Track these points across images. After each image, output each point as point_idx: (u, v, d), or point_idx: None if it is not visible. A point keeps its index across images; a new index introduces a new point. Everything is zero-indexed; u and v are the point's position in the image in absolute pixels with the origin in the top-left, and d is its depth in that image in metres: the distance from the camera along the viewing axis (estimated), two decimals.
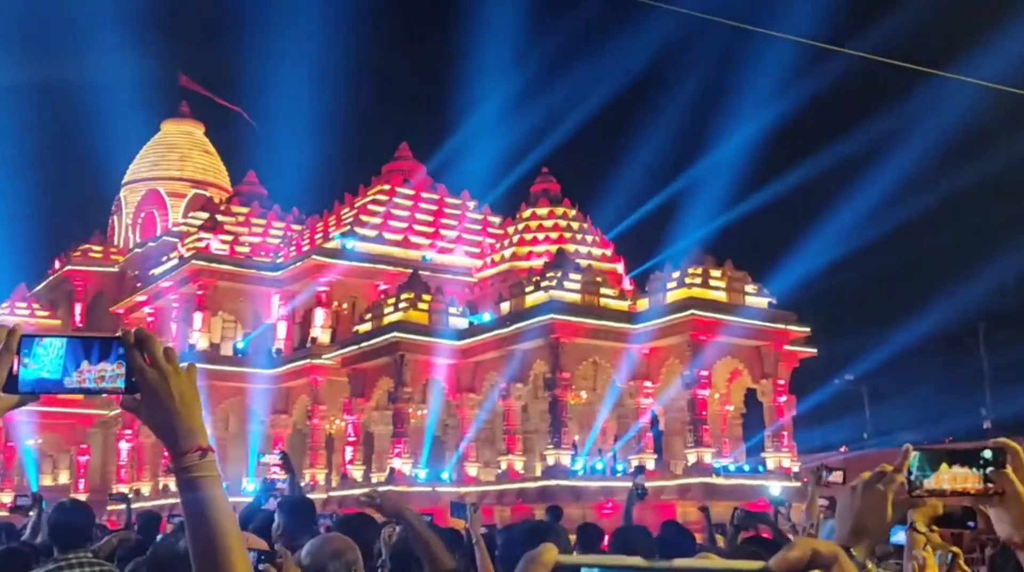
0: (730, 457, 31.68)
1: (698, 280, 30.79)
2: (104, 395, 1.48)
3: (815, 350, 33.13)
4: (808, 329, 32.35)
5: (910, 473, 1.57)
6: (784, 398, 31.36)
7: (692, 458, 29.70)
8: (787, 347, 31.92)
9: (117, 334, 1.44)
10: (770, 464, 30.60)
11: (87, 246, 52.22)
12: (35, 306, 49.85)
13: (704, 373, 30.00)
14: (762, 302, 31.82)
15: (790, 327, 31.78)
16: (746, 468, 30.68)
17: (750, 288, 31.93)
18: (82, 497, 42.55)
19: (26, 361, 1.41)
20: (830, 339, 35.46)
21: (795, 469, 30.84)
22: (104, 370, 1.43)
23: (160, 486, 38.29)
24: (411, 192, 42.05)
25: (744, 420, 34.06)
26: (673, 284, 31.14)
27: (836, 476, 6.05)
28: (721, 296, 31.02)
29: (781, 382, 31.48)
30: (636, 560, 0.65)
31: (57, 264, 52.89)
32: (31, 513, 7.26)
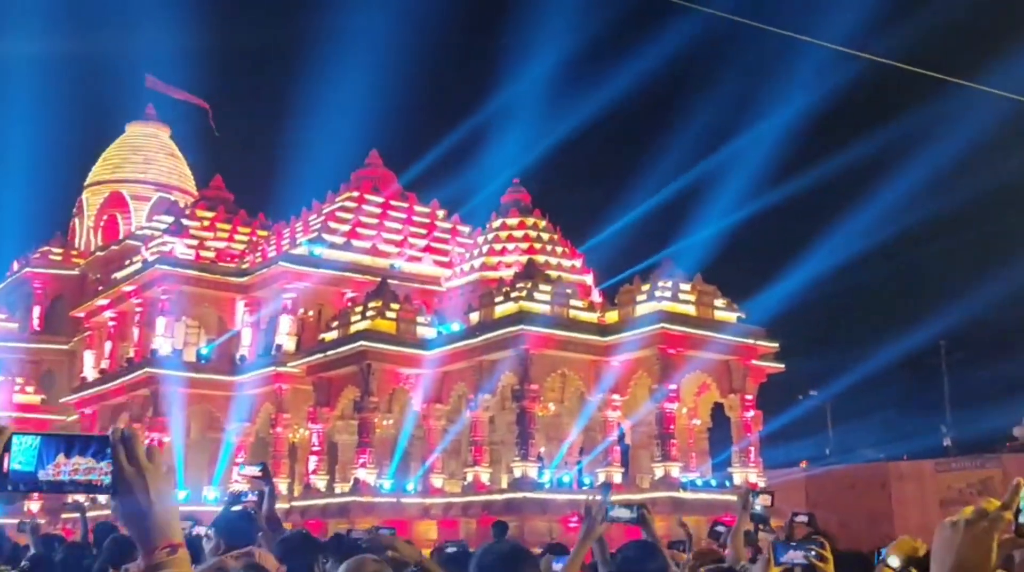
0: (696, 472, 31.65)
1: (668, 293, 30.77)
2: (85, 493, 1.49)
3: (783, 366, 33.24)
4: (777, 345, 32.46)
5: (1020, 512, 1.42)
6: (751, 413, 31.39)
7: (659, 472, 29.62)
8: (755, 362, 31.99)
9: (103, 434, 1.48)
10: (737, 479, 30.59)
11: (47, 248, 51.30)
12: None
13: (672, 387, 29.96)
14: (731, 317, 31.87)
15: (759, 342, 31.86)
16: (713, 483, 30.66)
17: (719, 302, 31.98)
18: (35, 505, 41.62)
19: (8, 457, 1.45)
20: (796, 356, 35.68)
21: (761, 484, 30.86)
22: (79, 464, 1.45)
23: None
24: (380, 200, 41.73)
25: (711, 434, 34.07)
26: (643, 297, 31.10)
27: (763, 499, 5.79)
28: (690, 310, 31.03)
29: (749, 397, 31.52)
30: None
31: (16, 266, 51.87)
32: None
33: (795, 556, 3.57)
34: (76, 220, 55.45)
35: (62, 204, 57.36)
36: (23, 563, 6.14)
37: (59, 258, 50.96)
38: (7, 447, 1.44)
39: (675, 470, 29.61)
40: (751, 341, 31.72)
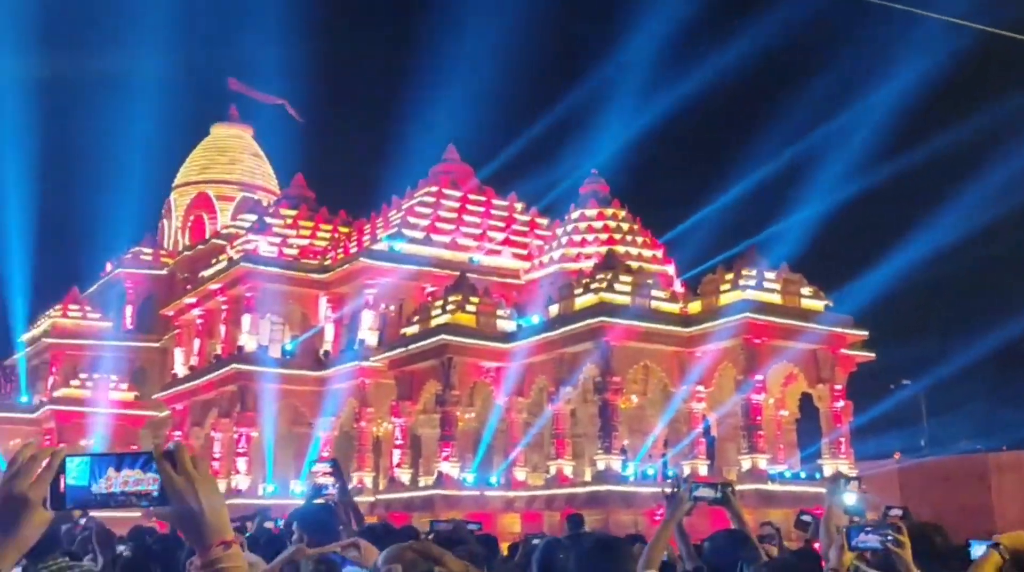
0: (785, 464, 30.91)
1: (752, 282, 30.09)
2: (135, 503, 1.59)
3: (873, 355, 32.22)
4: (866, 333, 31.46)
5: None
6: (841, 403, 30.50)
7: (746, 464, 29.00)
8: (844, 351, 31.08)
9: (148, 450, 1.59)
10: (827, 471, 29.77)
11: (138, 249, 52.76)
12: (87, 309, 50.44)
13: (759, 377, 29.29)
14: (818, 305, 31.03)
15: (847, 331, 30.95)
16: (802, 475, 29.90)
17: (806, 291, 31.15)
18: None
19: (63, 477, 1.56)
20: (887, 345, 34.55)
21: (853, 477, 29.99)
22: (128, 476, 1.57)
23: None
24: (459, 194, 41.80)
25: (799, 426, 33.24)
26: (727, 287, 30.47)
27: (851, 485, 5.48)
28: (776, 299, 30.29)
29: (838, 387, 30.64)
30: None
31: (108, 267, 53.50)
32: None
33: (870, 539, 3.47)
34: (165, 221, 56.95)
35: (151, 206, 58.96)
36: (121, 549, 6.18)
37: (149, 258, 52.37)
38: (61, 468, 1.55)
39: (762, 462, 28.96)
40: (839, 329, 30.83)
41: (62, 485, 1.54)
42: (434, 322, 33.03)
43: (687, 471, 29.85)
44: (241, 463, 37.22)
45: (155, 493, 1.56)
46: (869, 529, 3.55)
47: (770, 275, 30.68)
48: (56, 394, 45.31)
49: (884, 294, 35.80)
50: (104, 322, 50.34)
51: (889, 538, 3.41)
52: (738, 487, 25.22)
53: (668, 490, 4.30)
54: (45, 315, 50.96)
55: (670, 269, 37.02)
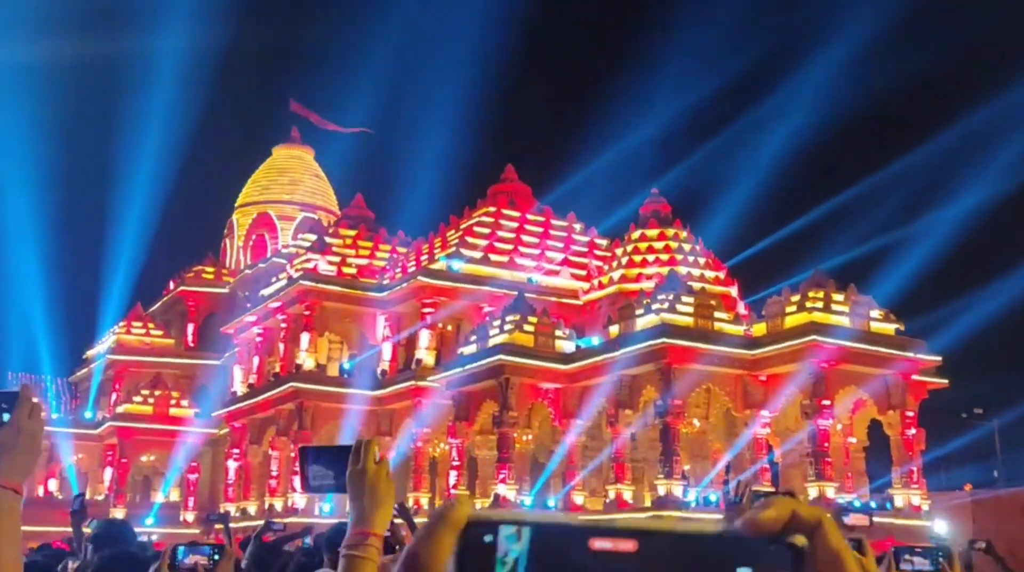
0: (854, 493, 29.82)
1: (819, 304, 29.20)
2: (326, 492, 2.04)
3: (946, 382, 31.03)
4: (939, 359, 30.31)
5: None
6: (913, 431, 29.37)
7: (813, 492, 27.99)
8: (916, 377, 29.96)
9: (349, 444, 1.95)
10: (898, 501, 28.66)
11: (200, 268, 53.43)
12: (150, 325, 51.11)
13: (826, 402, 28.33)
14: (889, 329, 29.98)
15: (920, 356, 29.83)
16: (873, 505, 28.78)
17: (876, 314, 30.14)
18: (190, 516, 43.14)
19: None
20: (962, 374, 33.28)
21: (925, 508, 28.84)
22: (318, 471, 1.99)
23: (266, 505, 38.36)
24: (517, 214, 41.55)
25: (868, 454, 32.11)
26: (792, 308, 29.60)
27: (858, 518, 5.47)
28: (844, 321, 29.33)
29: (910, 414, 29.51)
30: (569, 517, 0.59)
31: (171, 285, 54.24)
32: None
33: (917, 561, 3.53)
34: (227, 240, 57.67)
35: (214, 225, 59.82)
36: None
37: (211, 277, 52.98)
38: (307, 459, 2.01)
39: (830, 491, 27.94)
40: (911, 354, 29.74)
41: (309, 474, 1.99)
42: (491, 342, 32.66)
43: (742, 488, 28.94)
44: (298, 482, 37.07)
45: (341, 482, 1.92)
46: (919, 551, 3.58)
47: (838, 297, 29.75)
48: (119, 410, 45.84)
49: (959, 321, 34.60)
50: (167, 339, 50.96)
51: (940, 561, 3.42)
52: None
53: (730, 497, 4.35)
54: (110, 332, 51.76)
55: (733, 290, 36.22)
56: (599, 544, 0.57)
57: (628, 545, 0.57)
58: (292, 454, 37.87)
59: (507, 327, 32.51)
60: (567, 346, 32.74)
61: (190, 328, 51.59)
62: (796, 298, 29.81)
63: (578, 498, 31.51)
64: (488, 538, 0.58)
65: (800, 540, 0.59)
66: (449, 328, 39.06)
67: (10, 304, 49.80)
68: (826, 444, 28.39)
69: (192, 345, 51.20)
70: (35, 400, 1.75)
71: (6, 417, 1.72)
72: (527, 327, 32.49)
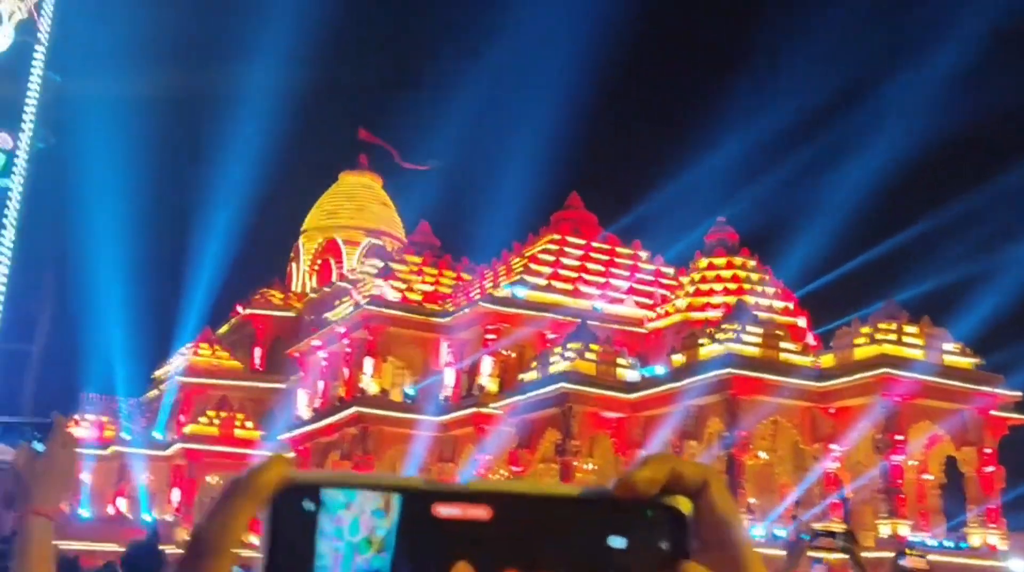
0: (928, 532, 28.84)
1: (892, 336, 28.47)
2: None
3: None
4: (1020, 394, 29.27)
5: None
6: (991, 468, 28.35)
7: (885, 530, 27.16)
8: (995, 413, 28.95)
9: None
10: (974, 541, 27.64)
11: (267, 291, 54.26)
12: (217, 348, 51.96)
13: (899, 437, 27.53)
14: (965, 363, 29.08)
15: (998, 390, 28.85)
16: (949, 545, 27.80)
17: (950, 346, 29.27)
18: (254, 538, 43.46)
19: None
20: None
21: (1002, 548, 27.75)
22: None
23: None
24: (582, 241, 41.41)
25: (944, 492, 31.07)
26: (863, 340, 28.90)
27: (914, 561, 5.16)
28: (917, 354, 28.53)
29: (988, 451, 28.51)
30: (404, 480, 0.49)
31: (239, 308, 55.13)
32: None
33: None
34: (293, 265, 58.54)
35: (280, 250, 60.79)
36: None
37: (278, 301, 53.76)
38: None
39: (904, 529, 27.06)
40: (987, 389, 28.78)
41: None
42: (554, 370, 32.46)
43: (802, 527, 28.20)
44: None
45: None
46: None
47: (911, 330, 28.99)
48: (186, 431, 46.60)
49: None
50: (233, 362, 51.74)
51: None
52: (876, 554, 23.64)
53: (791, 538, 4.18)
54: (179, 354, 52.77)
55: (802, 321, 35.52)
56: (445, 511, 0.48)
57: (480, 512, 0.48)
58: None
59: (570, 355, 32.29)
60: (631, 375, 32.40)
61: (257, 351, 52.33)
62: (867, 330, 29.11)
63: None
64: (309, 505, 0.49)
65: (683, 503, 0.50)
66: (512, 355, 38.96)
67: (90, 328, 51.14)
68: (899, 480, 27.56)
69: (258, 368, 51.91)
70: (69, 430, 1.84)
71: (40, 447, 1.80)
72: (590, 355, 32.25)
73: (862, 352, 28.72)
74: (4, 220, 21.87)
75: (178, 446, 46.36)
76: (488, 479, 0.53)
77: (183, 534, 37.15)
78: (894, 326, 28.76)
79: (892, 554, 26.19)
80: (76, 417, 50.55)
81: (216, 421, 46.49)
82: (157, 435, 49.87)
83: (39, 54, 23.23)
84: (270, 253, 60.36)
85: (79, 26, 25.96)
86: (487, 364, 37.67)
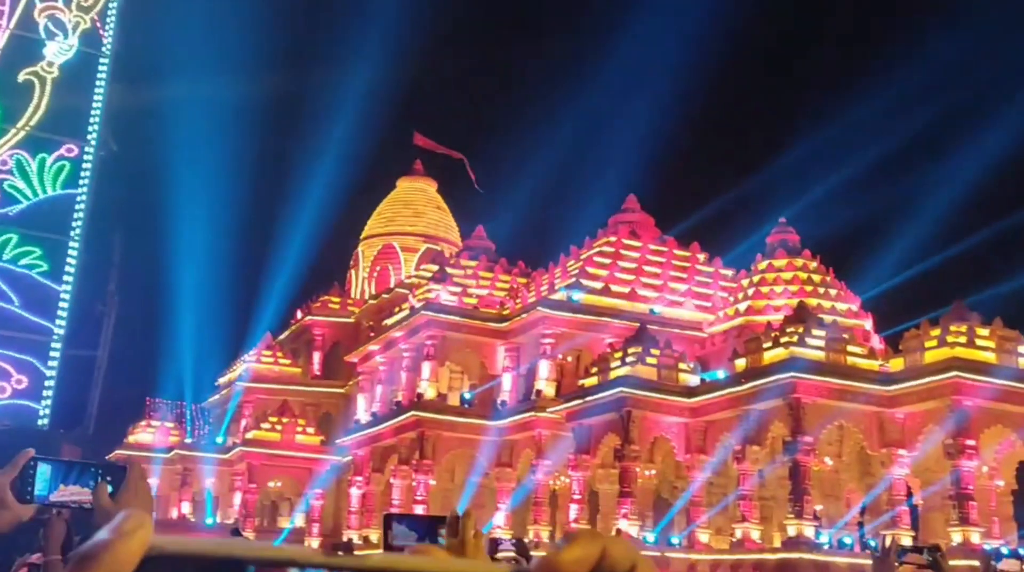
0: (1002, 539, 27.88)
1: (962, 339, 27.62)
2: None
3: None
4: None
5: None
6: None
7: (957, 538, 26.32)
8: None
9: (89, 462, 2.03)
10: None
11: (327, 298, 54.72)
12: (278, 354, 52.54)
13: (970, 443, 26.68)
14: None
15: None
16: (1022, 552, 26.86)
17: None
18: (315, 542, 43.82)
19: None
20: None
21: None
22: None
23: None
24: (639, 244, 40.99)
25: (1016, 498, 30.05)
26: (932, 343, 28.08)
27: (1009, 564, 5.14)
28: (989, 357, 27.66)
29: None
30: (298, 551, 0.43)
31: (299, 314, 55.70)
32: None
33: None
34: (352, 271, 59.01)
35: (341, 257, 61.30)
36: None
37: (337, 307, 54.18)
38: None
39: (975, 536, 26.21)
40: None
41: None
42: (613, 374, 32.13)
43: (888, 541, 27.43)
44: (418, 511, 37.24)
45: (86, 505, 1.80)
46: None
47: (983, 332, 28.11)
48: (248, 436, 47.16)
49: None
50: (294, 368, 52.28)
51: None
52: (954, 562, 22.78)
53: (877, 552, 4.22)
54: (240, 360, 53.47)
55: (867, 323, 34.69)
56: None
57: None
58: (413, 483, 38.09)
59: (629, 359, 31.94)
60: (691, 379, 31.94)
61: (316, 357, 52.81)
62: (936, 332, 28.29)
63: (703, 536, 30.55)
64: None
65: None
66: (569, 359, 38.71)
67: (160, 333, 52.05)
68: (970, 486, 26.71)
69: (318, 374, 52.36)
70: (144, 479, 1.82)
71: (111, 489, 1.81)
72: (649, 360, 31.85)
73: (932, 355, 27.92)
74: (72, 232, 22.27)
75: (240, 450, 46.93)
76: (399, 556, 0.51)
77: (250, 536, 37.56)
78: (965, 328, 27.91)
79: (966, 562, 25.43)
80: (143, 423, 51.60)
81: (278, 427, 46.98)
82: (220, 440, 50.57)
83: (103, 64, 23.67)
84: (340, 259, 60.90)
85: (145, 35, 26.41)
86: (544, 368, 37.47)
